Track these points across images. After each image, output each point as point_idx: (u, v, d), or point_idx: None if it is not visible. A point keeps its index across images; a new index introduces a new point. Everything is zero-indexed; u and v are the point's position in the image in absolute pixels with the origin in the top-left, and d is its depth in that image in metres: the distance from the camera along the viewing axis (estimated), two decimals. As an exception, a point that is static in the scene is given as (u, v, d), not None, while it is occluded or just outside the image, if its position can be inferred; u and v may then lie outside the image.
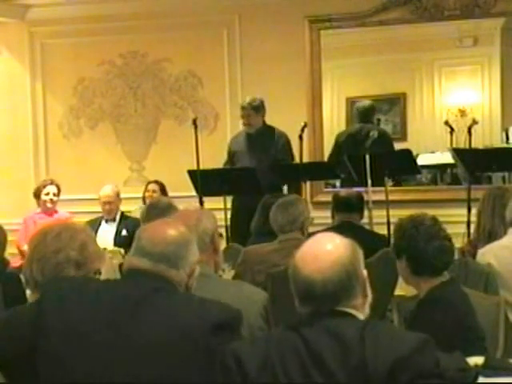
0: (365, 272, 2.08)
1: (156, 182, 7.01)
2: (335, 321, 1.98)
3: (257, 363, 1.95)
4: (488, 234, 4.32)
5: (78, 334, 2.14)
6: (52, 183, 6.72)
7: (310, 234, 5.47)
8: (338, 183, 7.51)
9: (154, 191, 6.87)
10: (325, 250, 2.04)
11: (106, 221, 6.64)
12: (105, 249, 5.70)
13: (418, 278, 2.97)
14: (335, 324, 1.97)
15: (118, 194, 6.72)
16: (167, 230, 2.32)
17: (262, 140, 6.52)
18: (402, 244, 2.98)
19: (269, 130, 6.56)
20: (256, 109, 6.50)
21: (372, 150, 6.10)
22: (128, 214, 6.74)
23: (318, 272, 2.00)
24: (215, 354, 2.05)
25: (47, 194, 6.68)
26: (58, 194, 6.73)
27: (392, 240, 3.10)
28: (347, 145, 7.34)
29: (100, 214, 6.70)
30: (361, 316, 2.03)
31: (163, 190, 6.91)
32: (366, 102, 7.88)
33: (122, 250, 5.88)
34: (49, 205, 6.69)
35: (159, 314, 2.15)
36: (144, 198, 6.93)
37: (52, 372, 2.13)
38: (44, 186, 6.70)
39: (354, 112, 7.88)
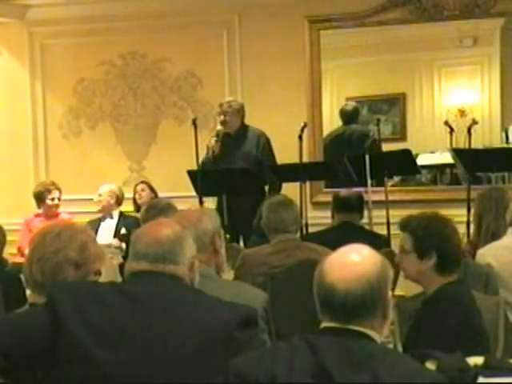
0: (390, 293, 2.03)
1: (143, 182, 7.12)
2: (350, 340, 1.93)
3: (258, 376, 1.91)
4: (492, 235, 4.32)
5: (105, 332, 2.14)
6: (56, 188, 6.72)
7: (310, 235, 5.52)
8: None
9: (142, 190, 6.97)
10: (355, 261, 1.99)
11: (104, 218, 6.68)
12: (109, 245, 5.81)
13: (441, 275, 2.97)
14: (350, 343, 1.92)
15: (111, 191, 6.77)
16: (159, 231, 2.35)
17: (242, 141, 6.46)
18: (432, 241, 2.97)
19: (247, 131, 6.51)
20: (233, 109, 6.42)
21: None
22: (127, 213, 6.76)
23: (342, 281, 1.96)
24: (245, 347, 2.12)
25: (52, 199, 6.69)
26: (60, 197, 6.76)
27: (406, 237, 3.01)
28: (332, 147, 7.34)
29: (100, 215, 6.74)
30: (378, 338, 1.98)
31: (151, 188, 7.01)
32: (351, 105, 7.91)
33: (124, 245, 5.93)
34: (54, 209, 6.72)
35: (181, 309, 2.19)
36: (134, 199, 6.97)
37: (83, 372, 2.12)
38: (49, 192, 6.68)
39: (339, 114, 7.84)
